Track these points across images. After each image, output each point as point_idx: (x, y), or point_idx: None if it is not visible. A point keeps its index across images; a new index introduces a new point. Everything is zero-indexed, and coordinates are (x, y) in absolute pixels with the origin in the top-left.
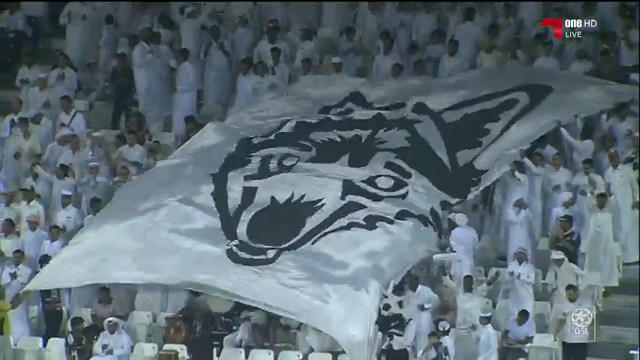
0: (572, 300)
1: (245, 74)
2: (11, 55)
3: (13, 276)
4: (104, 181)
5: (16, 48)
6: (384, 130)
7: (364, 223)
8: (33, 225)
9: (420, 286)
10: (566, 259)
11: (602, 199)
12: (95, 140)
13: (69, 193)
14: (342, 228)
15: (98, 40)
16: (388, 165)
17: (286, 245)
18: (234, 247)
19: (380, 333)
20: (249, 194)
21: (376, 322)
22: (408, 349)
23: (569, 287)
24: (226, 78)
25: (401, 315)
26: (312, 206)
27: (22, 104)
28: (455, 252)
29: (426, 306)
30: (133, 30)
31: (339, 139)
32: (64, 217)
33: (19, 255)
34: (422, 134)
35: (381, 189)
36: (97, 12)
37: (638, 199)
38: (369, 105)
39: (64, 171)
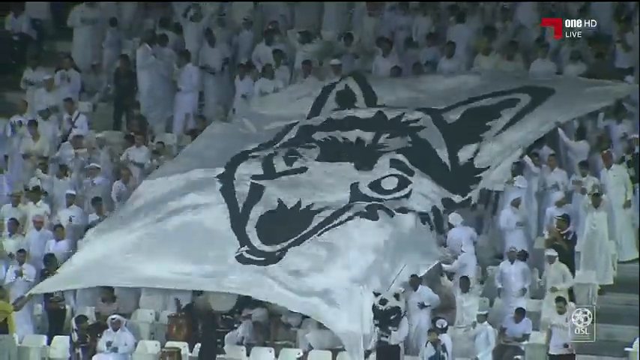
0: (561, 312)
1: (242, 79)
2: (16, 57)
3: (19, 274)
4: (104, 182)
5: (20, 50)
6: (387, 137)
7: (366, 211)
8: (38, 225)
9: (420, 286)
10: (557, 259)
11: (597, 199)
12: (97, 142)
13: (73, 192)
14: (347, 219)
15: (102, 42)
16: (392, 162)
17: (292, 240)
18: (244, 253)
19: (377, 328)
20: (256, 190)
21: (375, 318)
22: (401, 344)
23: (559, 300)
24: (226, 80)
25: (399, 307)
26: (320, 210)
27: (27, 105)
28: (464, 252)
29: (426, 304)
30: (136, 33)
31: (341, 140)
32: (68, 216)
33: (22, 254)
34: (423, 137)
35: (386, 191)
36: (101, 14)
37: (629, 199)
38: (371, 97)
39: (64, 171)
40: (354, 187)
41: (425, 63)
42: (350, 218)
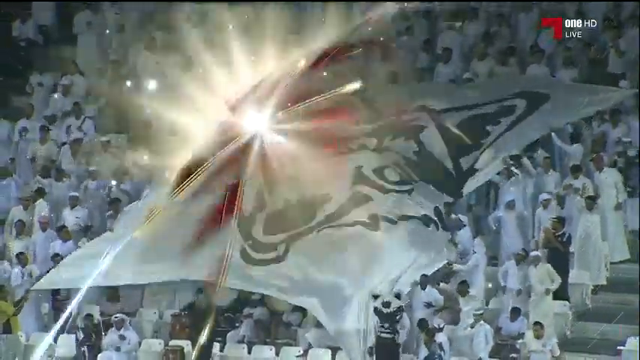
0: (538, 337)
1: None
2: (22, 62)
3: (30, 275)
4: (100, 185)
5: (27, 55)
6: (390, 139)
7: (368, 221)
8: (44, 226)
9: (428, 287)
10: (542, 260)
11: (591, 202)
12: (101, 145)
13: (76, 194)
14: (346, 225)
15: (108, 47)
16: (396, 164)
17: (295, 232)
18: (247, 248)
19: (382, 328)
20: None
21: (381, 321)
22: (400, 342)
23: (536, 324)
24: None
25: (402, 307)
26: (322, 198)
27: (33, 110)
28: (476, 252)
29: (433, 304)
30: (139, 38)
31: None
32: (73, 217)
33: (23, 257)
34: (428, 147)
35: (389, 181)
36: (106, 20)
37: (621, 201)
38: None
39: (62, 174)
40: (358, 169)
41: (421, 68)
42: (351, 225)
